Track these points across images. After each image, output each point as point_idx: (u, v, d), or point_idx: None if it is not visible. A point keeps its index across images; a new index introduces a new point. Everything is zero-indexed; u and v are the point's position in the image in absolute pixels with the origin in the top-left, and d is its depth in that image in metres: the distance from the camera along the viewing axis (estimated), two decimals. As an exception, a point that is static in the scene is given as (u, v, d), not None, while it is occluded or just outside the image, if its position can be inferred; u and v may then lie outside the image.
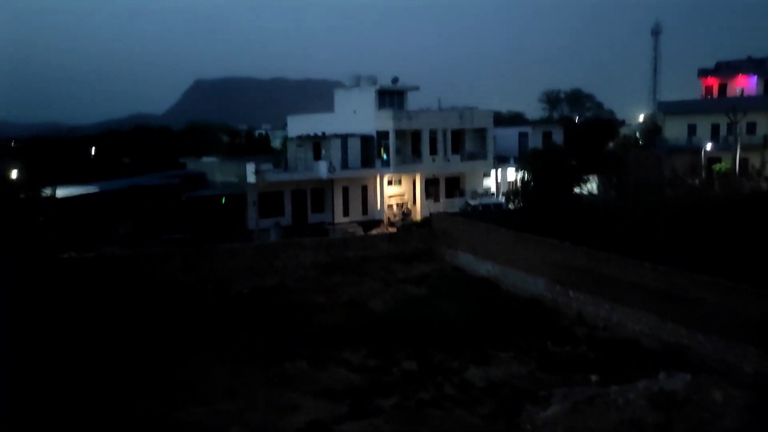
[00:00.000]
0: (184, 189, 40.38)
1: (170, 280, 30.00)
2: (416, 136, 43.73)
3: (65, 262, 29.50)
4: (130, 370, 20.32)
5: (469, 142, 45.92)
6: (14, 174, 40.21)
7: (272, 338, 23.54)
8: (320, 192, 41.44)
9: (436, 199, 43.92)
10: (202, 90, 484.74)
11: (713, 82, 57.73)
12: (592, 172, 40.33)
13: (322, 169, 41.18)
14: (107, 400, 18.08)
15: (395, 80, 46.31)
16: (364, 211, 42.38)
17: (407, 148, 43.55)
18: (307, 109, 63.05)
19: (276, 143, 72.93)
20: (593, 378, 19.03)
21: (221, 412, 17.77)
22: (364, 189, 42.70)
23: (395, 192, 43.76)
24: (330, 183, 41.38)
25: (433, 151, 44.17)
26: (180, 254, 31.82)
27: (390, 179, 43.48)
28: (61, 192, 36.82)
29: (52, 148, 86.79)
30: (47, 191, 32.65)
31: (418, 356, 21.49)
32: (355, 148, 43.09)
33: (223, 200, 39.31)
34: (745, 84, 55.93)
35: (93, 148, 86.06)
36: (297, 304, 27.52)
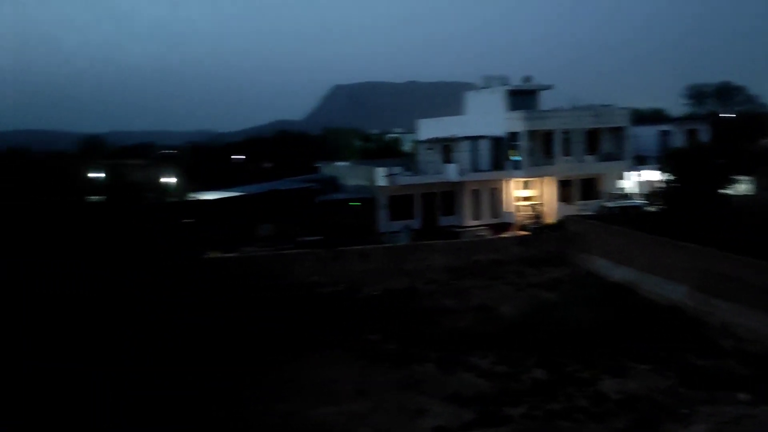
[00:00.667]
0: (318, 193, 41.83)
1: (304, 281, 31.25)
2: (548, 136, 42.37)
3: (210, 261, 31.59)
4: (265, 367, 21.37)
5: (604, 141, 43.81)
6: (170, 178, 43.78)
7: (401, 340, 23.82)
8: (450, 195, 41.32)
9: (570, 202, 42.28)
10: (341, 95, 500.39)
11: None
12: (744, 172, 37.11)
13: (452, 171, 41.04)
14: (245, 398, 19.10)
15: (527, 80, 45.21)
16: (495, 214, 41.72)
17: (539, 150, 42.31)
18: (439, 111, 63.11)
19: (407, 146, 73.73)
20: (741, 396, 17.51)
21: (350, 413, 18.22)
22: (495, 191, 42.05)
23: (527, 194, 42.69)
24: (460, 186, 41.17)
25: (567, 152, 42.59)
26: (313, 256, 33.04)
27: (521, 182, 42.51)
28: (209, 195, 39.54)
29: (203, 155, 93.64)
30: (195, 195, 35.17)
31: (548, 364, 20.87)
32: (485, 150, 42.55)
33: (355, 203, 40.27)
34: None
35: (237, 155, 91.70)
36: (426, 307, 27.67)
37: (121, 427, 16.19)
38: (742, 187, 35.43)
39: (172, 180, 42.53)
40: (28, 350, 17.34)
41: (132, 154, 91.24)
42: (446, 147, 43.76)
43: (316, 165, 54.61)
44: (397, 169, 41.06)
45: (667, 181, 33.92)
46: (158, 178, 43.17)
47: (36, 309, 18.63)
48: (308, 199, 40.61)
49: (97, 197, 24.55)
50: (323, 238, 36.17)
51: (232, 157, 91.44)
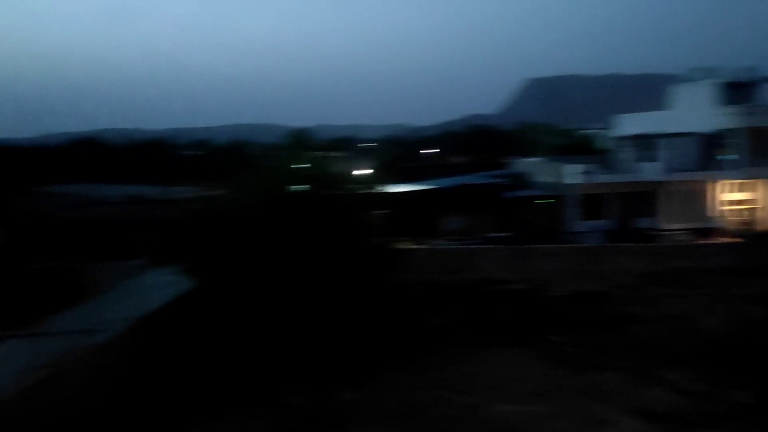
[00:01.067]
0: (507, 189, 41.33)
1: (490, 277, 31.01)
2: (769, 134, 37.71)
3: (400, 252, 32.52)
4: (447, 358, 21.54)
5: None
6: (366, 170, 45.83)
7: (587, 345, 22.75)
8: (648, 195, 38.52)
9: (795, 208, 37.38)
10: (536, 89, 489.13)
11: None
12: None
13: (651, 170, 38.24)
14: (426, 385, 19.41)
15: (745, 70, 40.64)
16: (698, 217, 38.13)
17: (757, 149, 37.79)
18: (642, 106, 59.08)
19: (603, 143, 70.08)
20: None
21: (529, 413, 17.75)
22: (699, 193, 38.43)
23: (739, 197, 38.44)
24: (659, 186, 38.21)
25: (793, 151, 37.65)
26: (500, 252, 32.70)
27: (733, 183, 38.36)
28: (402, 188, 40.77)
29: (398, 148, 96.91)
30: (389, 187, 36.38)
31: (756, 387, 18.65)
32: (690, 148, 39.00)
33: (544, 201, 39.16)
34: None
35: (430, 149, 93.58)
36: (615, 313, 26.09)
37: None
38: None
39: (369, 172, 44.50)
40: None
41: (334, 147, 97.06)
42: (646, 144, 40.81)
43: (507, 160, 53.98)
44: (590, 167, 39.24)
45: None
46: (356, 169, 45.43)
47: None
48: (497, 194, 40.28)
49: (301, 186, 26.32)
50: (511, 235, 35.67)
51: (425, 150, 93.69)
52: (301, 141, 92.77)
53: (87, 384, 16.33)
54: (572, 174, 38.49)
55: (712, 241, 35.04)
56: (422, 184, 43.78)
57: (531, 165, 47.35)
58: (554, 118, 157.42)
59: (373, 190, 27.54)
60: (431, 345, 22.66)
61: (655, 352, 21.59)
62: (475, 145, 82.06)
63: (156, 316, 20.67)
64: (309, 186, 26.02)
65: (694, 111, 40.04)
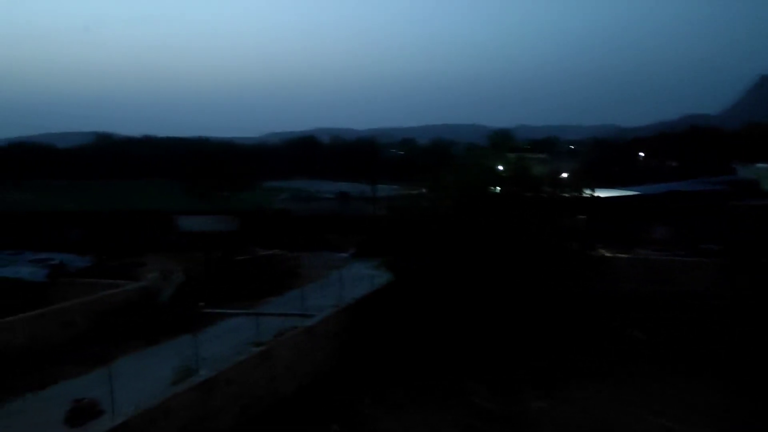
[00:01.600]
0: (730, 196, 37.47)
1: (698, 291, 28.29)
2: None
3: (601, 260, 30.94)
4: (642, 379, 20.09)
5: None
6: (568, 173, 44.19)
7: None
8: None
9: None
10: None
11: None
12: None
13: None
14: (627, 402, 18.29)
15: None
16: None
17: None
18: None
19: None
20: None
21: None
22: None
23: None
24: None
25: None
26: (714, 266, 29.64)
27: None
28: (606, 193, 38.78)
29: (605, 150, 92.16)
30: (592, 191, 34.74)
31: None
32: None
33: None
34: None
35: (641, 151, 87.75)
36: None
37: None
38: None
39: (572, 174, 42.90)
40: None
41: (537, 149, 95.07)
42: None
43: (732, 166, 48.92)
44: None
45: None
46: (558, 172, 44.00)
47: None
48: (716, 203, 36.67)
49: (500, 188, 26.15)
50: (731, 248, 32.21)
51: (635, 153, 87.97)
52: (502, 142, 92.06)
53: (296, 362, 17.75)
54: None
55: None
56: (629, 189, 41.28)
57: (762, 171, 42.39)
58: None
59: (576, 194, 26.41)
60: (629, 359, 21.25)
61: None
62: (693, 148, 75.22)
63: (359, 305, 21.87)
64: (510, 188, 25.73)
65: None
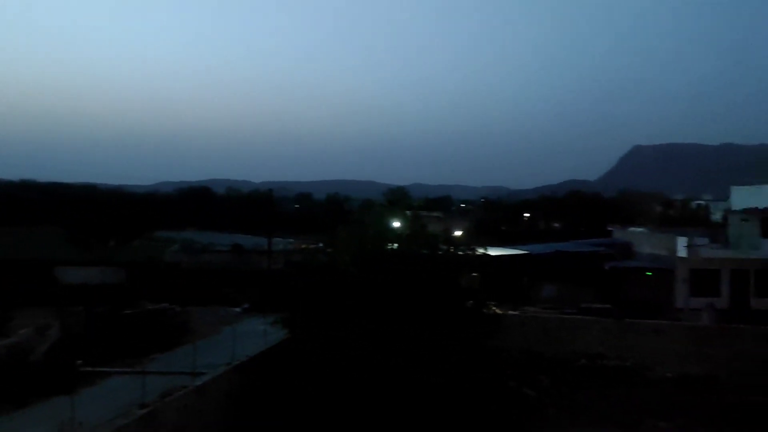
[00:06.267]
0: (608, 258, 39.76)
1: (587, 351, 29.62)
2: None
3: (491, 317, 31.74)
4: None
5: None
6: (461, 231, 45.59)
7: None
8: (768, 274, 35.94)
9: None
10: (641, 156, 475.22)
11: None
12: None
13: (773, 248, 35.80)
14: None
15: None
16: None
17: None
18: (760, 178, 55.86)
19: (716, 216, 66.52)
20: None
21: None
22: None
23: None
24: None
25: None
26: (599, 324, 31.19)
27: None
28: (496, 251, 40.08)
29: (494, 210, 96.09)
30: (483, 249, 35.90)
31: None
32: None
33: (649, 273, 37.28)
34: None
35: (527, 213, 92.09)
36: (731, 403, 24.04)
37: None
38: None
39: (465, 233, 44.24)
40: None
41: (431, 206, 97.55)
42: (766, 220, 38.30)
43: (609, 229, 52.15)
44: (702, 240, 37.20)
45: None
46: (452, 230, 45.25)
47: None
48: (596, 263, 38.81)
49: (396, 245, 26.44)
50: (611, 307, 34.06)
51: (522, 214, 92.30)
52: (398, 199, 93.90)
53: (185, 425, 16.70)
54: (681, 247, 36.60)
55: None
56: (518, 248, 42.91)
57: (635, 235, 45.46)
58: (660, 187, 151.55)
59: (468, 252, 27.13)
60: (520, 417, 21.67)
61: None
62: (574, 212, 79.93)
63: (253, 362, 21.08)
64: (404, 245, 26.07)
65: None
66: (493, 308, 32.88)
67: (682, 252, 36.52)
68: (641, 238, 43.44)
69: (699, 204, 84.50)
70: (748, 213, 39.88)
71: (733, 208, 43.44)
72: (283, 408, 19.39)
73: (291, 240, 54.89)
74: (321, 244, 28.66)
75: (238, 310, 33.67)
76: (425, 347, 21.36)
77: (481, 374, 23.81)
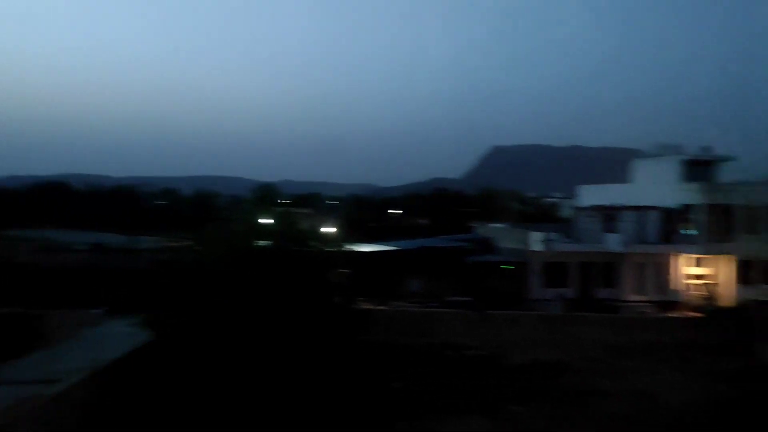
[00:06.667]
0: (470, 253, 41.63)
1: (450, 341, 30.90)
2: (729, 211, 38.94)
3: (360, 312, 32.27)
4: (404, 425, 21.16)
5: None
6: (331, 228, 45.70)
7: (549, 418, 22.60)
8: (610, 266, 39.25)
9: (751, 285, 38.30)
10: (500, 156, 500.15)
11: None
12: None
13: (614, 242, 39.12)
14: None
15: (705, 149, 42.43)
16: (660, 290, 38.87)
17: (717, 225, 39.00)
18: (603, 178, 60.90)
19: (566, 212, 71.66)
20: None
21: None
22: (662, 266, 39.28)
23: (699, 272, 39.41)
24: (622, 257, 39.04)
25: (750, 229, 38.93)
26: (461, 316, 32.68)
27: (694, 258, 39.40)
28: (365, 247, 40.73)
29: (363, 207, 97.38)
30: (353, 246, 36.33)
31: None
32: (653, 222, 40.16)
33: (507, 267, 39.54)
34: None
35: (395, 209, 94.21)
36: (577, 385, 26.07)
37: None
38: None
39: (333, 230, 44.44)
40: None
41: (299, 203, 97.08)
42: (609, 216, 41.85)
43: (471, 225, 54.63)
44: (553, 235, 39.95)
45: None
46: (321, 227, 45.30)
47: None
48: (460, 258, 40.53)
49: (265, 242, 26.13)
50: (472, 300, 35.75)
51: (390, 211, 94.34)
52: (266, 196, 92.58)
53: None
54: (535, 241, 39.12)
55: (674, 315, 35.68)
56: (385, 244, 43.85)
57: (493, 230, 48.00)
58: (518, 186, 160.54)
59: (338, 249, 27.42)
60: (388, 410, 22.25)
61: (619, 428, 21.57)
62: (439, 208, 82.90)
63: (115, 367, 20.02)
64: (274, 242, 25.85)
65: (657, 186, 41.35)
66: (362, 304, 33.49)
67: (535, 246, 39.02)
68: (501, 234, 45.91)
69: (551, 201, 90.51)
70: (594, 210, 43.42)
71: (581, 206, 47.08)
72: (147, 413, 18.61)
73: (157, 238, 52.55)
74: (189, 242, 27.77)
75: (99, 311, 31.79)
76: (294, 345, 21.34)
77: (349, 369, 24.20)
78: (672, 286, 39.00)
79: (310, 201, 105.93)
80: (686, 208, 39.32)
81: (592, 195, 47.42)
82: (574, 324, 33.20)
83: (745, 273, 38.61)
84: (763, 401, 23.32)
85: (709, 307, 36.58)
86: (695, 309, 36.84)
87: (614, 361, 29.20)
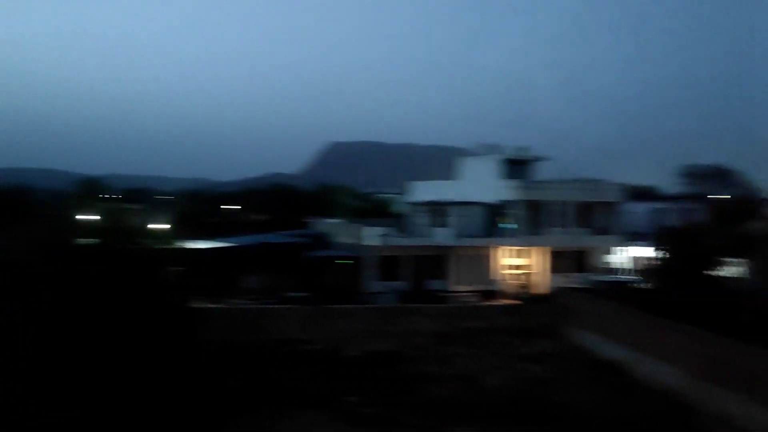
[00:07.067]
0: (307, 248, 41.74)
1: (288, 337, 30.85)
2: (541, 207, 42.80)
3: (195, 311, 31.17)
4: (244, 423, 20.82)
5: (597, 215, 44.31)
6: (163, 225, 43.50)
7: (382, 405, 23.36)
8: (439, 259, 41.32)
9: (561, 274, 42.30)
10: (337, 152, 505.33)
11: None
12: (737, 254, 37.27)
13: (442, 235, 41.20)
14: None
15: (522, 149, 46.03)
16: (483, 280, 41.64)
17: (532, 220, 42.65)
18: (433, 175, 63.94)
19: (399, 208, 74.33)
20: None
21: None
22: (484, 258, 42.09)
23: (517, 263, 42.78)
24: (449, 250, 41.22)
25: (560, 223, 42.99)
26: (298, 312, 32.71)
27: (513, 250, 42.66)
28: (200, 244, 39.31)
29: (197, 203, 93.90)
30: (187, 243, 34.90)
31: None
32: (476, 216, 42.89)
33: (343, 261, 40.17)
34: None
35: (231, 205, 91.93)
36: (409, 372, 27.22)
37: None
38: (735, 269, 35.50)
39: (165, 226, 42.34)
40: None
41: (128, 198, 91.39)
42: (437, 211, 44.06)
43: (307, 220, 54.74)
44: (387, 230, 41.19)
45: (661, 259, 33.82)
46: (151, 223, 42.97)
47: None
48: (297, 254, 40.50)
49: (91, 240, 24.36)
50: (310, 295, 35.90)
51: (225, 206, 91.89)
52: (91, 190, 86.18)
53: None
54: (370, 236, 40.13)
55: (494, 303, 38.36)
56: (221, 241, 42.68)
57: (330, 226, 48.54)
58: (354, 182, 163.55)
59: (170, 246, 26.28)
60: (224, 409, 21.80)
61: (446, 410, 22.80)
62: (276, 204, 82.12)
63: None
64: (100, 239, 24.23)
65: (480, 182, 44.30)
66: (197, 302, 32.33)
67: (369, 240, 40.04)
68: (337, 229, 46.51)
69: (385, 197, 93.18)
70: (424, 205, 45.47)
71: (412, 201, 49.07)
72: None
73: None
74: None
75: None
76: (119, 347, 20.16)
77: (182, 369, 23.31)
78: (493, 276, 41.89)
79: (141, 196, 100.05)
80: (506, 204, 42.45)
81: (422, 191, 49.61)
82: (406, 315, 34.52)
83: (558, 263, 42.52)
84: (570, 379, 25.83)
85: (525, 295, 39.84)
86: (513, 297, 39.92)
87: (442, 349, 30.81)
